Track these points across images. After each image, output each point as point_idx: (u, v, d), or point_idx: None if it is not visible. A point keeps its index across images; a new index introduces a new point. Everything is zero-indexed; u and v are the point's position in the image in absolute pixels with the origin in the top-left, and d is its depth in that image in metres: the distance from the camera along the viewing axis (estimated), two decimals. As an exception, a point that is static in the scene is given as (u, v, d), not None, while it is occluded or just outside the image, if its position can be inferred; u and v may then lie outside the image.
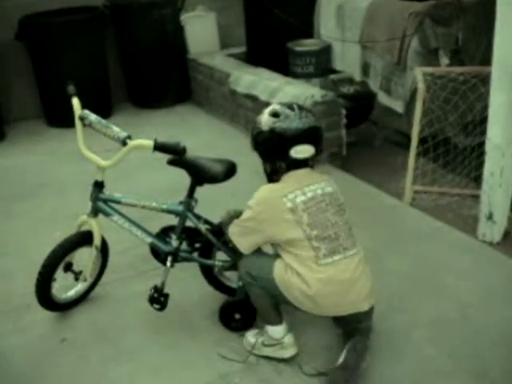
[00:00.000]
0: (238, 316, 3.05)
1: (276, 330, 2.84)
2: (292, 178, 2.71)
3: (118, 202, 3.10)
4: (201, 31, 6.34)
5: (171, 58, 6.26)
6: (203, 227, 3.04)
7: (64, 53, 5.84)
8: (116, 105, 6.40)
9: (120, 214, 3.13)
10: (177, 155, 2.81)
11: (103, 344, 3.04)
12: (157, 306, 3.07)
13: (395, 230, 3.84)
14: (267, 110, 2.73)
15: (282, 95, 4.76)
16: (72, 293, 3.30)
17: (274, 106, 2.74)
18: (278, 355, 2.86)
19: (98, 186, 3.07)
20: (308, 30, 5.74)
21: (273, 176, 2.76)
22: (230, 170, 2.97)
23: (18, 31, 5.84)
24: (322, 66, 5.62)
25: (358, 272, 2.70)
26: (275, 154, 2.68)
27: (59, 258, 3.13)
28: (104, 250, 3.28)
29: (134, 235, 3.15)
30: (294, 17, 5.64)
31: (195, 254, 3.16)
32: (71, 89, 3.06)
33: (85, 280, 3.26)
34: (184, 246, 3.14)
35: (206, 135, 5.54)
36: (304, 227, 2.63)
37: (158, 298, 3.06)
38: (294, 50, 5.62)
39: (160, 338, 3.06)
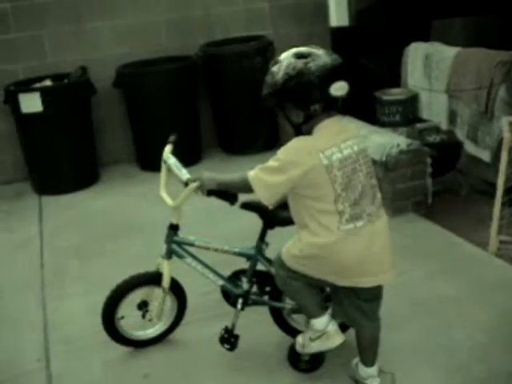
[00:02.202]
0: (306, 357, 3.06)
1: (319, 322, 2.83)
2: (327, 129, 2.56)
3: (192, 245, 3.15)
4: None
5: (260, 106, 6.38)
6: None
7: (157, 100, 6.08)
8: (206, 150, 6.58)
9: (193, 256, 3.18)
10: (228, 201, 2.82)
11: (184, 381, 3.13)
12: (227, 346, 3.11)
13: (479, 280, 3.77)
14: (287, 55, 2.55)
15: (368, 143, 4.75)
16: (149, 332, 3.39)
17: (294, 50, 2.56)
18: (326, 346, 2.86)
19: (173, 228, 3.13)
20: (395, 80, 5.80)
21: (303, 126, 2.59)
22: None
23: (116, 79, 6.15)
24: (408, 115, 5.66)
25: (381, 239, 2.64)
26: (313, 95, 2.49)
27: (122, 293, 3.21)
28: (178, 292, 3.33)
29: (206, 277, 3.20)
30: (382, 66, 5.73)
31: (265, 297, 3.19)
32: (172, 138, 3.19)
33: (150, 320, 3.30)
34: (255, 289, 3.17)
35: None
36: (336, 186, 2.52)
37: (229, 339, 3.10)
38: (381, 99, 5.68)
39: (236, 379, 3.11)
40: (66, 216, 5.39)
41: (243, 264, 3.19)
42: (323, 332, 2.83)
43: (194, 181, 2.83)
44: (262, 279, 3.16)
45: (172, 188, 3.11)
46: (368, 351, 2.88)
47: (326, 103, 2.52)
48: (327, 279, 2.69)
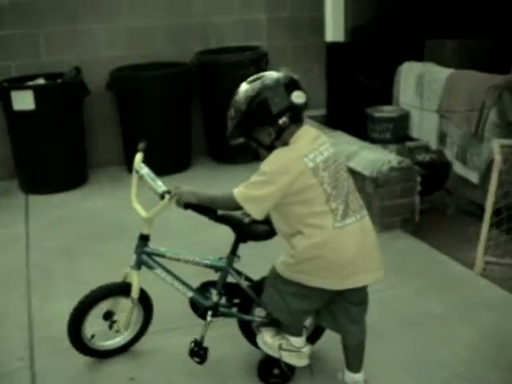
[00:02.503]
0: (276, 371, 3.04)
1: (297, 341, 2.91)
2: (304, 137, 2.65)
3: (162, 256, 3.12)
4: (282, 92, 6.51)
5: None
6: (244, 283, 3.05)
7: (150, 105, 6.09)
8: (195, 157, 6.59)
9: (163, 268, 3.14)
10: (206, 215, 2.83)
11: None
12: (197, 360, 3.06)
13: (465, 298, 3.81)
14: (242, 85, 2.70)
15: (359, 159, 4.85)
16: (110, 342, 3.35)
17: (247, 80, 2.71)
18: (293, 362, 2.95)
19: (143, 239, 3.10)
20: (388, 97, 5.85)
21: (276, 143, 2.64)
22: (274, 229, 2.87)
23: (109, 81, 6.15)
24: (399, 132, 5.71)
25: (371, 236, 2.71)
26: (278, 107, 2.58)
27: (90, 304, 3.17)
28: (145, 303, 3.30)
29: (176, 289, 3.16)
30: (375, 83, 5.78)
31: (234, 309, 3.16)
32: (141, 146, 3.14)
33: (117, 331, 3.28)
34: (223, 300, 3.13)
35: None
36: (325, 186, 2.58)
37: (198, 352, 3.05)
38: (373, 116, 5.73)
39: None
40: (53, 216, 5.37)
41: (212, 275, 3.16)
42: (298, 350, 2.91)
43: (169, 193, 2.83)
44: (231, 291, 3.13)
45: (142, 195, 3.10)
46: (355, 357, 2.92)
47: (293, 113, 2.61)
48: (324, 285, 2.68)
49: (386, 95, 5.92)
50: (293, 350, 2.93)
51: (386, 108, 5.88)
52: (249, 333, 3.22)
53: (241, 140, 2.73)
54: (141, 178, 3.06)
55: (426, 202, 5.07)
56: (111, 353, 3.36)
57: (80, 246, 4.72)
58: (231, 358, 3.31)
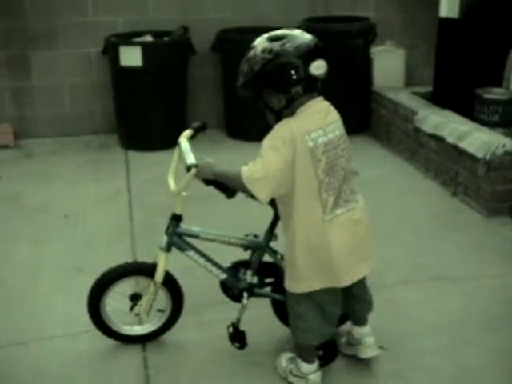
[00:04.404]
0: (320, 352, 2.93)
1: (305, 367, 2.81)
2: (311, 110, 2.49)
3: (197, 237, 2.95)
4: (388, 66, 6.38)
5: (356, 88, 6.34)
6: (281, 262, 2.91)
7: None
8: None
9: (195, 249, 2.97)
10: (225, 194, 2.67)
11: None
12: (237, 345, 2.95)
13: None
14: (262, 40, 2.48)
15: (471, 140, 4.69)
16: (136, 328, 3.19)
17: (267, 34, 2.49)
18: None
19: (175, 219, 2.92)
20: (499, 79, 5.65)
21: (285, 111, 2.50)
22: None
23: (214, 43, 6.11)
24: (508, 116, 5.51)
25: (363, 226, 2.64)
26: (294, 76, 2.40)
27: (108, 280, 3.01)
28: (173, 290, 3.10)
29: (209, 271, 3.00)
30: (488, 63, 5.58)
31: (267, 289, 3.06)
32: (196, 124, 2.96)
33: (137, 314, 3.07)
34: (255, 280, 3.00)
35: (381, 169, 5.54)
36: (319, 171, 2.46)
37: (237, 336, 2.94)
38: (482, 97, 5.53)
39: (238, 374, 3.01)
40: (152, 173, 5.37)
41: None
42: (304, 376, 2.83)
43: (197, 166, 2.64)
44: (264, 271, 3.01)
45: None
46: (363, 314, 2.99)
47: (307, 83, 2.44)
48: (327, 284, 2.62)
49: (498, 76, 5.70)
50: (300, 376, 2.84)
51: (497, 90, 5.66)
52: (282, 313, 3.07)
53: (248, 94, 2.56)
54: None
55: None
56: (134, 339, 3.21)
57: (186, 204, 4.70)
58: (265, 340, 3.19)
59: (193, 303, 3.32)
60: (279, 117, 2.52)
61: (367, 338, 2.96)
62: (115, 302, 3.09)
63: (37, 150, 6.10)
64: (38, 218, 4.65)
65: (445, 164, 5.04)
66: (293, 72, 2.40)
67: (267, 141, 2.48)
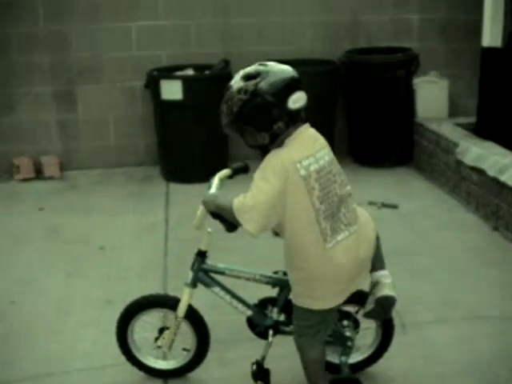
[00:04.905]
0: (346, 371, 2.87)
1: None
2: (300, 139, 2.47)
3: (222, 273, 2.93)
4: (431, 97, 6.29)
5: (399, 120, 6.26)
6: None
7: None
8: (336, 157, 6.44)
9: (221, 286, 2.96)
10: (225, 227, 2.62)
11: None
12: (261, 383, 2.90)
13: None
14: (237, 78, 2.48)
15: (511, 173, 4.58)
16: (161, 362, 3.20)
17: (242, 72, 2.49)
18: None
19: (200, 255, 2.93)
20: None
21: (270, 146, 2.48)
22: None
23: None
24: (554, 148, 5.36)
25: (364, 247, 2.61)
26: (273, 114, 2.39)
27: (133, 311, 3.07)
28: (197, 326, 3.07)
29: (235, 307, 2.98)
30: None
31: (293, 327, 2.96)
32: (237, 165, 3.00)
33: (159, 347, 3.07)
34: (282, 318, 2.95)
35: (421, 202, 5.45)
36: (314, 199, 2.43)
37: (261, 374, 2.89)
38: (527, 128, 5.41)
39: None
40: (192, 206, 5.34)
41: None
42: None
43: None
44: (290, 307, 2.90)
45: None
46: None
47: (289, 118, 2.43)
48: (327, 305, 2.61)
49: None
50: None
51: (543, 121, 5.53)
52: None
53: (233, 133, 2.57)
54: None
55: None
56: (161, 373, 3.21)
57: (219, 239, 4.69)
58: (289, 378, 3.12)
59: (218, 340, 3.30)
60: (265, 151, 2.52)
61: (385, 279, 2.78)
62: (144, 331, 3.14)
63: (80, 182, 6.21)
64: (74, 249, 4.71)
65: (486, 197, 4.91)
66: (271, 111, 2.41)
67: (258, 173, 2.47)
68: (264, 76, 2.42)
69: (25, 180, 6.22)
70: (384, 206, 5.21)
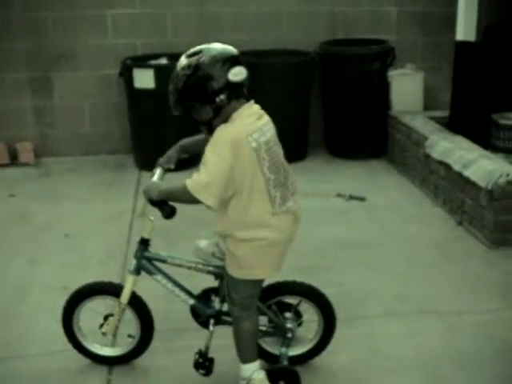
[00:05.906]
0: (282, 383, 2.88)
1: (249, 368, 2.85)
2: (246, 114, 2.58)
3: (164, 262, 2.99)
4: (406, 89, 6.26)
5: (373, 112, 6.27)
6: None
7: (269, 92, 5.97)
8: (311, 148, 6.49)
9: (164, 274, 3.01)
10: (163, 214, 2.68)
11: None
12: (202, 372, 2.94)
13: None
14: (182, 58, 2.58)
15: (475, 168, 4.58)
16: (106, 349, 3.23)
17: (187, 52, 2.58)
18: None
19: (143, 243, 2.98)
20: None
21: (215, 121, 2.57)
22: None
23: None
24: (525, 143, 5.37)
25: (298, 224, 2.77)
26: (214, 85, 2.49)
27: (77, 299, 3.11)
28: (140, 313, 3.10)
29: (177, 296, 3.02)
30: (503, 88, 5.45)
31: None
32: (168, 164, 3.05)
33: (104, 333, 3.10)
34: (225, 308, 2.97)
35: (392, 194, 5.47)
36: (265, 170, 2.57)
37: (203, 363, 2.93)
38: (498, 123, 5.41)
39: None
40: (161, 194, 5.39)
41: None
42: (249, 380, 2.82)
43: None
44: None
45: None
46: None
47: (230, 91, 2.53)
48: (267, 275, 2.76)
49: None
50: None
51: (513, 115, 5.53)
52: None
53: (180, 112, 2.64)
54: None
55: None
56: (107, 360, 3.24)
57: (181, 228, 4.70)
58: (236, 368, 3.07)
59: (167, 329, 3.36)
60: (210, 127, 2.60)
61: None
62: (90, 319, 3.17)
63: (55, 169, 6.23)
64: (39, 236, 4.73)
65: (452, 192, 4.93)
66: (212, 82, 2.50)
67: (209, 148, 2.54)
68: (206, 52, 2.54)
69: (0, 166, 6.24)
70: (352, 198, 5.21)
